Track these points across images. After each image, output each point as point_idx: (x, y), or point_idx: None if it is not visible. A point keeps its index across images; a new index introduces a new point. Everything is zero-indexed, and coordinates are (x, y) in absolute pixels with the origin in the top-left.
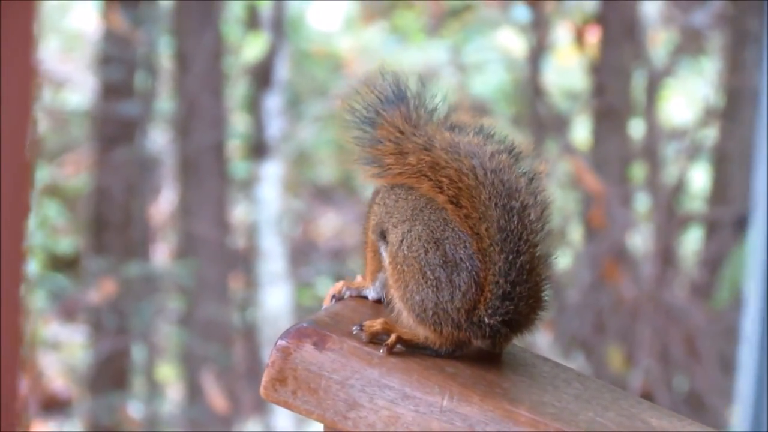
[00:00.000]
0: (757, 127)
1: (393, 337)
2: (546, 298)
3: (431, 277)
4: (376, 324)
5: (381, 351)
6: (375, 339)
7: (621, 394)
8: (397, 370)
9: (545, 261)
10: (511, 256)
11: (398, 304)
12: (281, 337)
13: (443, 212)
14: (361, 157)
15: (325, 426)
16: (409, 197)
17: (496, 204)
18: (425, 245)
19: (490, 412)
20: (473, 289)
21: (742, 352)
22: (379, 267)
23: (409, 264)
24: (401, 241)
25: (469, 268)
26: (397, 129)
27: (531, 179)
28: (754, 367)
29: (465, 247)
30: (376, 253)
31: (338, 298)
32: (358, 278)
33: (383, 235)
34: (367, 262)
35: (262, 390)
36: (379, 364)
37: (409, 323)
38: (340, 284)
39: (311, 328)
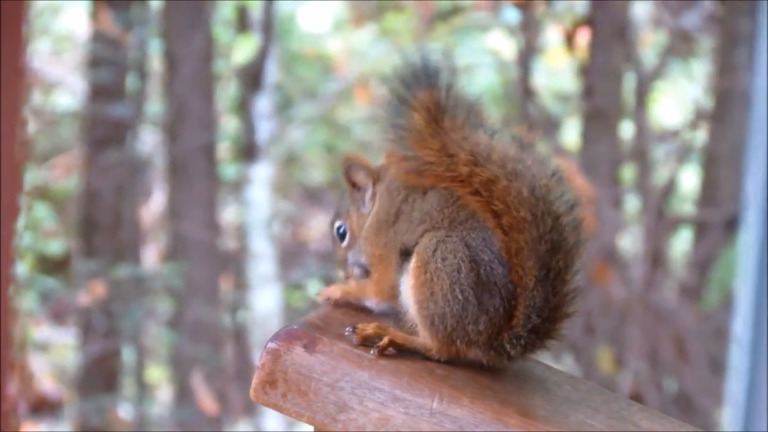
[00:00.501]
0: (749, 128)
1: (385, 339)
2: (564, 331)
3: (459, 297)
4: (369, 327)
5: (372, 352)
6: (367, 342)
7: (611, 396)
8: (387, 372)
9: (574, 298)
10: (549, 295)
11: (412, 306)
12: (271, 340)
13: (485, 231)
14: (398, 145)
15: (315, 428)
16: (446, 208)
17: (545, 241)
18: (460, 263)
19: (480, 415)
20: (501, 316)
21: (732, 354)
22: (392, 285)
23: (439, 276)
24: (435, 250)
25: (503, 295)
26: (432, 117)
27: (571, 207)
28: (745, 369)
29: (502, 273)
30: (388, 267)
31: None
32: (351, 283)
33: (407, 248)
34: (379, 275)
35: (252, 392)
36: (369, 367)
37: (414, 326)
38: (338, 290)
39: (301, 331)
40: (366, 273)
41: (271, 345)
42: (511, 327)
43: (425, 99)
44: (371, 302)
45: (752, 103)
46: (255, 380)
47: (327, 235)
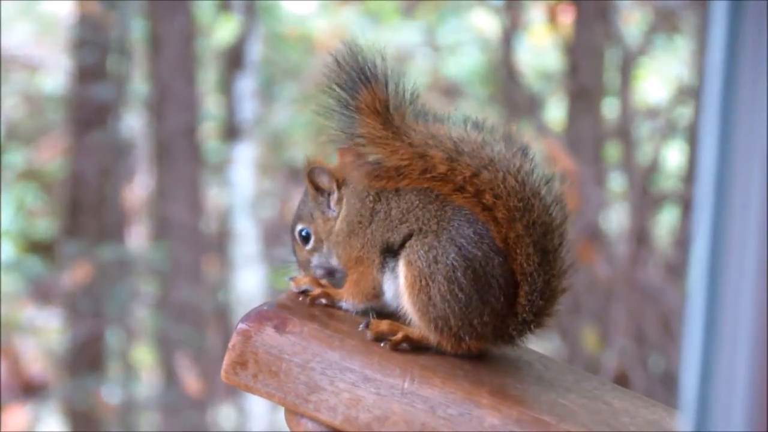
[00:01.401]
0: (702, 105)
1: (399, 335)
2: (559, 306)
3: (460, 296)
4: (383, 324)
5: (383, 344)
6: (381, 337)
7: (584, 375)
8: (357, 352)
9: (568, 273)
10: (549, 276)
11: (413, 313)
12: (242, 321)
13: (475, 224)
14: (359, 152)
15: (286, 409)
16: (429, 205)
17: (539, 225)
18: (454, 263)
19: (451, 394)
20: (503, 305)
21: (689, 330)
22: (372, 285)
23: (435, 280)
24: (426, 255)
25: (501, 284)
26: (383, 118)
27: (547, 182)
28: (699, 346)
29: (499, 263)
30: (368, 269)
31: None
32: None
33: (389, 246)
34: (357, 277)
35: (223, 373)
36: (339, 347)
37: (422, 332)
38: (316, 288)
39: (272, 311)
40: (329, 274)
41: (242, 326)
42: (515, 313)
43: (370, 100)
44: (348, 304)
45: (706, 82)
46: (226, 361)
47: (287, 237)
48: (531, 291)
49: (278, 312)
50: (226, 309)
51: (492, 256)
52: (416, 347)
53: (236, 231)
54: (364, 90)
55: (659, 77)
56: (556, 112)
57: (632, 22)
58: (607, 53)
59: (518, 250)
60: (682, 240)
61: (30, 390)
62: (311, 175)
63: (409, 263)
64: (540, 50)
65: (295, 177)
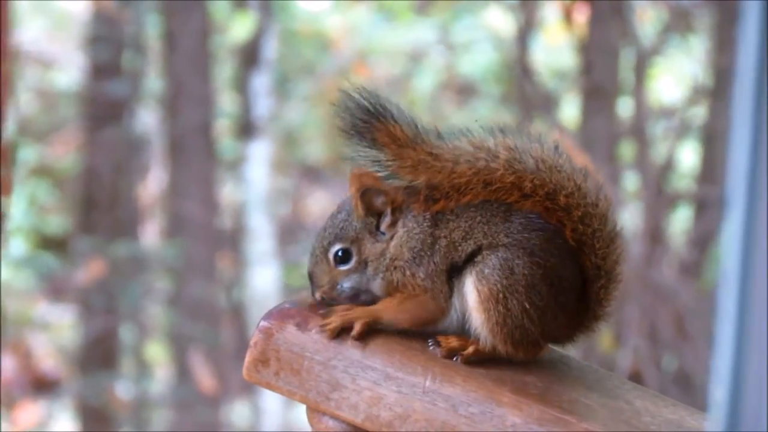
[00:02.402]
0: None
1: (470, 349)
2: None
3: (539, 303)
4: (452, 340)
5: (455, 359)
6: (452, 353)
7: (604, 374)
8: (379, 351)
9: (622, 260)
10: (613, 265)
11: (487, 328)
12: (264, 318)
13: (545, 230)
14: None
15: (307, 406)
16: (493, 218)
17: (601, 219)
18: (531, 272)
19: (473, 393)
20: (574, 304)
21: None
22: (432, 316)
23: (514, 291)
24: (501, 269)
25: (575, 285)
26: (409, 143)
27: (585, 176)
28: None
29: (571, 264)
30: (432, 300)
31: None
32: (357, 310)
33: (454, 265)
34: (418, 304)
35: (244, 371)
36: (361, 345)
37: (494, 343)
38: (360, 322)
39: (294, 309)
40: (355, 298)
41: (264, 324)
42: (587, 309)
43: (390, 134)
44: (388, 324)
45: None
46: (247, 359)
47: (311, 254)
48: (602, 284)
49: (300, 310)
50: (240, 306)
51: (564, 258)
52: (485, 360)
53: (250, 228)
54: (381, 126)
55: (673, 77)
56: (570, 110)
57: (647, 21)
58: (621, 52)
59: (595, 245)
60: (696, 239)
61: (42, 386)
62: (366, 196)
63: (480, 279)
64: (554, 49)
65: (309, 175)
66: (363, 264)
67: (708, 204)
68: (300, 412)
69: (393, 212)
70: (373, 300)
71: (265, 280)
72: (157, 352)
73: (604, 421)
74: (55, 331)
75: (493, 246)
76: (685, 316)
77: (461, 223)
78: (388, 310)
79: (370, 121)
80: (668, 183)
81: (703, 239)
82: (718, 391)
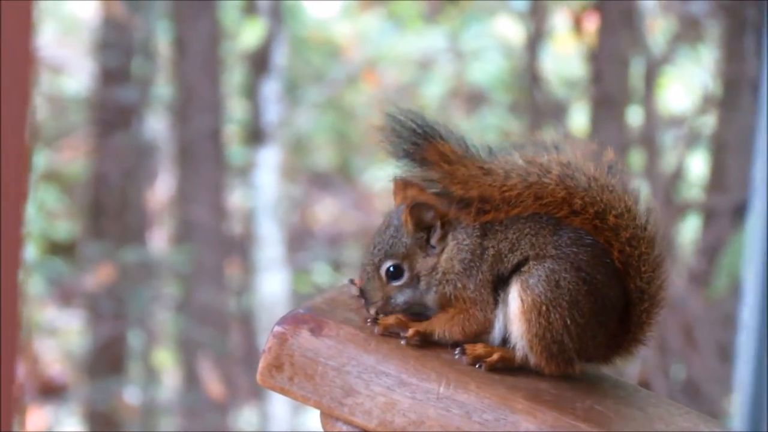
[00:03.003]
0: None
1: (495, 356)
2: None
3: (580, 321)
4: (478, 347)
5: (478, 366)
6: (478, 360)
7: (618, 382)
8: (393, 356)
9: (666, 285)
10: (657, 290)
11: (526, 340)
12: (278, 323)
13: (594, 247)
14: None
15: (321, 412)
16: (542, 230)
17: (649, 242)
18: (577, 287)
19: (486, 399)
20: (615, 325)
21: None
22: (481, 328)
23: (558, 305)
24: (547, 281)
25: (617, 306)
26: (457, 159)
27: (636, 197)
28: (751, 356)
29: (616, 285)
30: (481, 312)
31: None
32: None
33: (500, 276)
34: (467, 316)
35: (258, 376)
36: (375, 351)
37: (529, 357)
38: (411, 329)
39: (308, 315)
40: (408, 310)
41: (278, 329)
42: (627, 332)
43: (438, 149)
44: (440, 339)
45: (760, 89)
46: (261, 364)
47: (362, 271)
48: (645, 308)
49: (314, 315)
50: (248, 312)
51: (610, 277)
52: (511, 369)
53: (259, 234)
54: (429, 146)
55: (683, 86)
56: (579, 119)
57: (657, 31)
58: (631, 61)
59: (640, 269)
60: (705, 249)
61: (49, 391)
62: (415, 210)
63: (525, 288)
64: (564, 57)
65: (317, 181)
66: (416, 278)
67: (717, 213)
68: (308, 418)
69: (442, 226)
70: (425, 312)
71: (273, 286)
72: (165, 358)
73: (618, 428)
74: (63, 336)
75: (540, 257)
76: (693, 325)
77: (509, 234)
78: (440, 324)
79: (418, 143)
80: (677, 192)
81: (712, 249)
82: (739, 399)
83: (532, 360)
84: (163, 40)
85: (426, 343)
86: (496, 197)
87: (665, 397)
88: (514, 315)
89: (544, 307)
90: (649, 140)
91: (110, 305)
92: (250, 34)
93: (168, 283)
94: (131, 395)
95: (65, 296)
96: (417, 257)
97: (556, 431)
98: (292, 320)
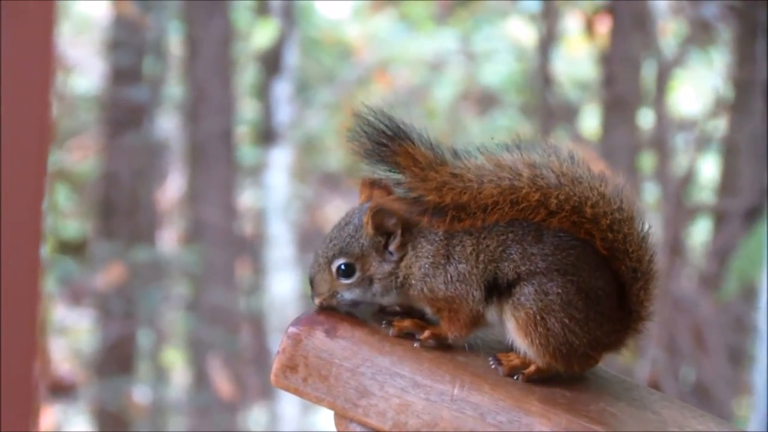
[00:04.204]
0: None
1: (532, 368)
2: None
3: (578, 316)
4: (513, 358)
5: (516, 377)
6: (514, 372)
7: (632, 384)
8: (408, 358)
9: (656, 256)
10: (648, 264)
11: (534, 350)
12: (292, 324)
13: (575, 247)
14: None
15: (335, 413)
16: (526, 236)
17: (633, 219)
18: (564, 290)
19: (501, 402)
20: (617, 309)
21: (755, 345)
22: (471, 318)
23: (550, 311)
24: (536, 293)
25: (610, 292)
26: (430, 165)
27: (602, 181)
28: (765, 359)
29: (602, 273)
30: (461, 305)
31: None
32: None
33: (495, 282)
34: (449, 316)
35: (272, 377)
36: (390, 353)
37: (545, 363)
38: (426, 331)
39: (322, 316)
40: (353, 306)
41: (292, 330)
42: (630, 312)
43: (409, 152)
44: (454, 338)
45: None
46: (275, 365)
47: (314, 260)
48: (641, 285)
49: (329, 316)
50: (258, 313)
51: (595, 269)
52: (546, 378)
53: (270, 235)
54: (401, 150)
55: (694, 89)
56: (591, 121)
57: (668, 34)
58: (642, 64)
59: (628, 250)
60: (715, 251)
61: (59, 390)
62: (378, 215)
63: (517, 306)
64: (576, 59)
65: (328, 182)
66: (367, 280)
67: (728, 216)
68: (318, 418)
69: (403, 234)
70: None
71: (283, 286)
72: (174, 358)
73: (632, 430)
74: (72, 335)
75: (531, 273)
76: (703, 327)
77: (488, 242)
78: (443, 327)
79: (389, 145)
80: (688, 195)
81: (723, 251)
82: (753, 401)
83: (556, 364)
84: (174, 40)
85: (441, 345)
86: (472, 205)
87: (678, 399)
88: (514, 334)
89: (538, 317)
90: (660, 143)
91: (120, 304)
92: (262, 34)
93: (178, 282)
94: (140, 394)
95: (75, 295)
96: (372, 260)
97: None
98: (307, 321)
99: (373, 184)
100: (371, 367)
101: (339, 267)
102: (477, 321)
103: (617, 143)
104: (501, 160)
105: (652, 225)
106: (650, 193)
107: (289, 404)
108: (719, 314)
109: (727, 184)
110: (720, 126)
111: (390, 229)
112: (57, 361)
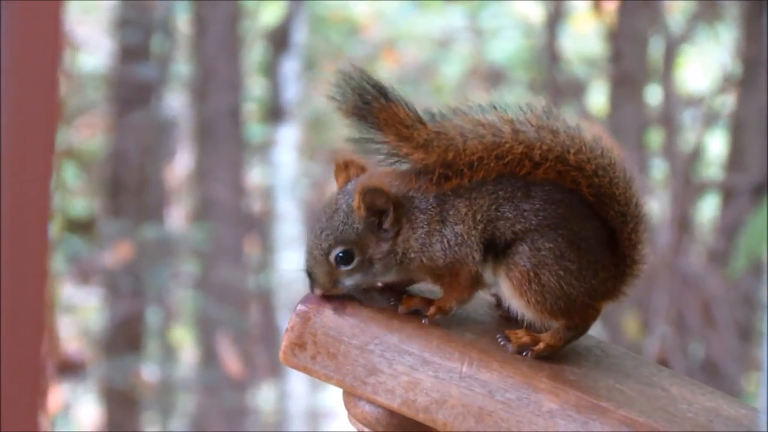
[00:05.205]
0: None
1: (541, 345)
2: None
3: (572, 267)
4: (521, 335)
5: (525, 354)
6: (523, 348)
7: (641, 361)
8: (416, 335)
9: (643, 199)
10: (637, 206)
11: (532, 309)
12: (301, 302)
13: (561, 201)
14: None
15: (343, 391)
16: (516, 192)
17: (615, 164)
18: (555, 243)
19: (509, 379)
20: (609, 255)
21: (764, 321)
22: (471, 279)
23: (544, 266)
24: (529, 251)
25: (601, 238)
26: (412, 124)
27: (578, 130)
28: None
29: (591, 221)
30: (462, 268)
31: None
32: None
33: (493, 241)
34: (452, 282)
35: (281, 355)
36: (398, 330)
37: (546, 322)
38: (432, 308)
39: None
40: (357, 289)
41: (301, 308)
42: (624, 256)
43: (392, 115)
44: (457, 306)
45: None
46: (284, 343)
47: (309, 254)
48: (631, 228)
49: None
50: (266, 290)
51: (584, 218)
52: (555, 353)
53: (278, 212)
54: (383, 107)
55: (702, 65)
56: (598, 98)
57: (676, 10)
58: (650, 40)
59: (615, 193)
60: (723, 228)
61: (67, 369)
62: (368, 196)
63: (511, 266)
64: (583, 36)
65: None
66: (367, 263)
67: (735, 193)
68: (326, 396)
69: (395, 209)
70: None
71: (292, 264)
72: (183, 336)
73: (641, 407)
74: (80, 313)
75: (525, 231)
76: (712, 304)
77: (481, 200)
78: (449, 295)
79: (372, 103)
80: (696, 171)
81: (731, 228)
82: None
83: (555, 323)
84: (182, 18)
85: (446, 318)
86: (458, 162)
87: (686, 376)
88: (510, 295)
89: (531, 274)
90: (668, 119)
91: (128, 283)
92: (269, 12)
93: (186, 260)
94: (149, 373)
95: (83, 274)
96: (369, 242)
97: (578, 410)
98: (316, 299)
99: (347, 166)
100: (380, 345)
101: (338, 255)
102: (477, 282)
103: (624, 120)
104: (480, 119)
105: (661, 201)
106: (658, 170)
107: (297, 382)
108: (728, 290)
109: (735, 160)
110: (728, 102)
111: (382, 207)
112: (65, 340)
